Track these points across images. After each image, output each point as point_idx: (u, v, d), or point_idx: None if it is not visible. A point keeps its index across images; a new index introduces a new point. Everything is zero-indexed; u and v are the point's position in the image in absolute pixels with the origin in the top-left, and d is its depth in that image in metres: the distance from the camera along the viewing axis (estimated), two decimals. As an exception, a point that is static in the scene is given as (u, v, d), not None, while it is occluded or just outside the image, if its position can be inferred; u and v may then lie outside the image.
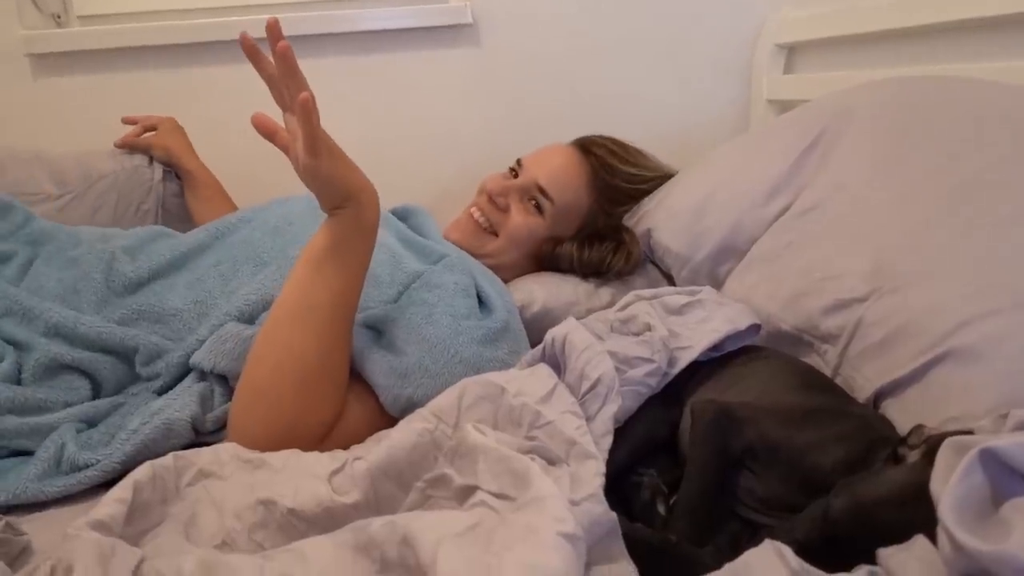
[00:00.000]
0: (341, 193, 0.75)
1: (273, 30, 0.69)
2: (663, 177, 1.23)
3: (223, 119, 1.40)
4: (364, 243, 0.79)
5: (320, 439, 0.77)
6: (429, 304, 0.89)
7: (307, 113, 0.67)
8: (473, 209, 1.18)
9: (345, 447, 0.76)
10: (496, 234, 1.16)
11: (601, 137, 1.25)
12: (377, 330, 0.87)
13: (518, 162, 1.20)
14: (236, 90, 1.50)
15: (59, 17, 1.49)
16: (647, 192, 1.22)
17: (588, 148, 1.21)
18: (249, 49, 0.71)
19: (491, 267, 1.13)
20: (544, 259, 1.17)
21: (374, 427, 0.80)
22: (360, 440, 0.78)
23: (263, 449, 0.70)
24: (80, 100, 1.48)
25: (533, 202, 1.15)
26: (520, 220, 1.15)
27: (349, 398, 0.81)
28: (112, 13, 1.50)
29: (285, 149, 0.74)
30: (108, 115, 1.37)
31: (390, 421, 0.76)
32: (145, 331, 0.89)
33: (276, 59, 0.69)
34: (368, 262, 0.81)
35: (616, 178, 1.20)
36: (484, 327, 0.89)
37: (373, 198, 0.78)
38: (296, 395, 0.75)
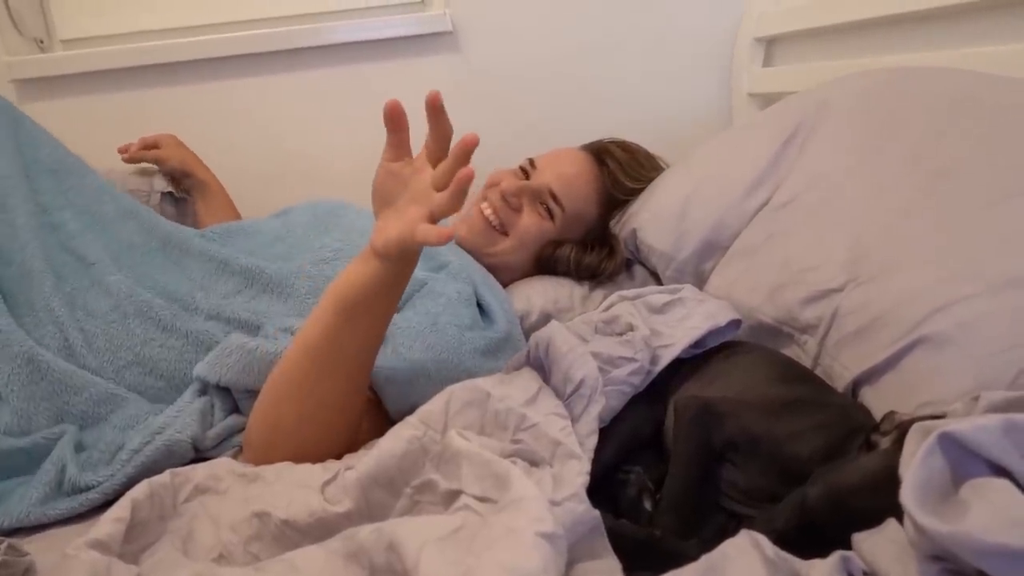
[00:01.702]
0: (408, 250, 0.71)
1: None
2: None
3: (208, 137, 1.42)
4: (398, 293, 0.77)
5: (337, 458, 0.78)
6: (433, 314, 0.90)
7: (464, 189, 0.65)
8: (484, 205, 1.16)
9: None
10: (506, 234, 1.16)
11: (615, 144, 1.25)
12: None
13: (531, 162, 1.19)
14: (220, 108, 1.53)
15: (42, 42, 1.49)
16: None
17: (602, 158, 1.22)
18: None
19: (496, 266, 1.14)
20: (543, 261, 1.18)
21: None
22: None
23: None
24: (67, 123, 1.47)
25: (544, 207, 1.15)
26: (532, 222, 1.15)
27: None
28: (94, 36, 1.51)
29: (391, 158, 0.73)
30: (96, 137, 1.38)
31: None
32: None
33: (455, 151, 0.67)
34: (396, 307, 0.78)
35: (624, 194, 1.21)
36: (486, 337, 0.91)
37: (417, 257, 0.76)
38: (321, 436, 0.76)
